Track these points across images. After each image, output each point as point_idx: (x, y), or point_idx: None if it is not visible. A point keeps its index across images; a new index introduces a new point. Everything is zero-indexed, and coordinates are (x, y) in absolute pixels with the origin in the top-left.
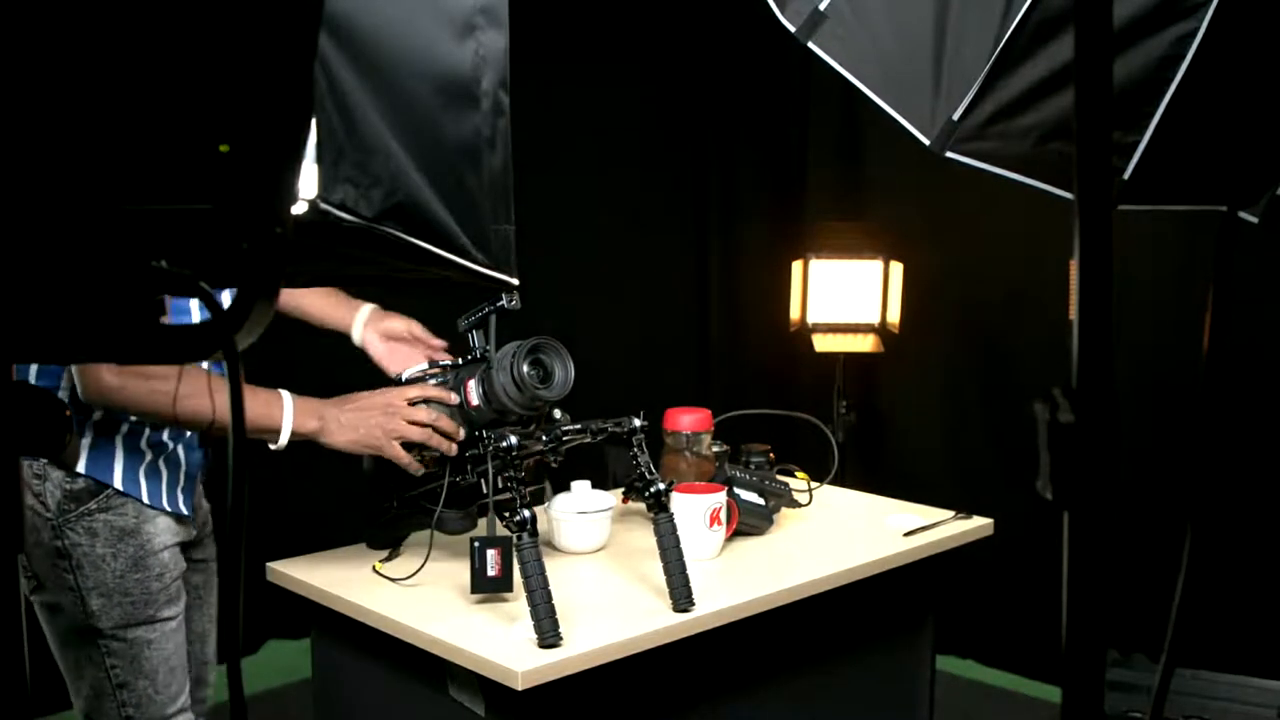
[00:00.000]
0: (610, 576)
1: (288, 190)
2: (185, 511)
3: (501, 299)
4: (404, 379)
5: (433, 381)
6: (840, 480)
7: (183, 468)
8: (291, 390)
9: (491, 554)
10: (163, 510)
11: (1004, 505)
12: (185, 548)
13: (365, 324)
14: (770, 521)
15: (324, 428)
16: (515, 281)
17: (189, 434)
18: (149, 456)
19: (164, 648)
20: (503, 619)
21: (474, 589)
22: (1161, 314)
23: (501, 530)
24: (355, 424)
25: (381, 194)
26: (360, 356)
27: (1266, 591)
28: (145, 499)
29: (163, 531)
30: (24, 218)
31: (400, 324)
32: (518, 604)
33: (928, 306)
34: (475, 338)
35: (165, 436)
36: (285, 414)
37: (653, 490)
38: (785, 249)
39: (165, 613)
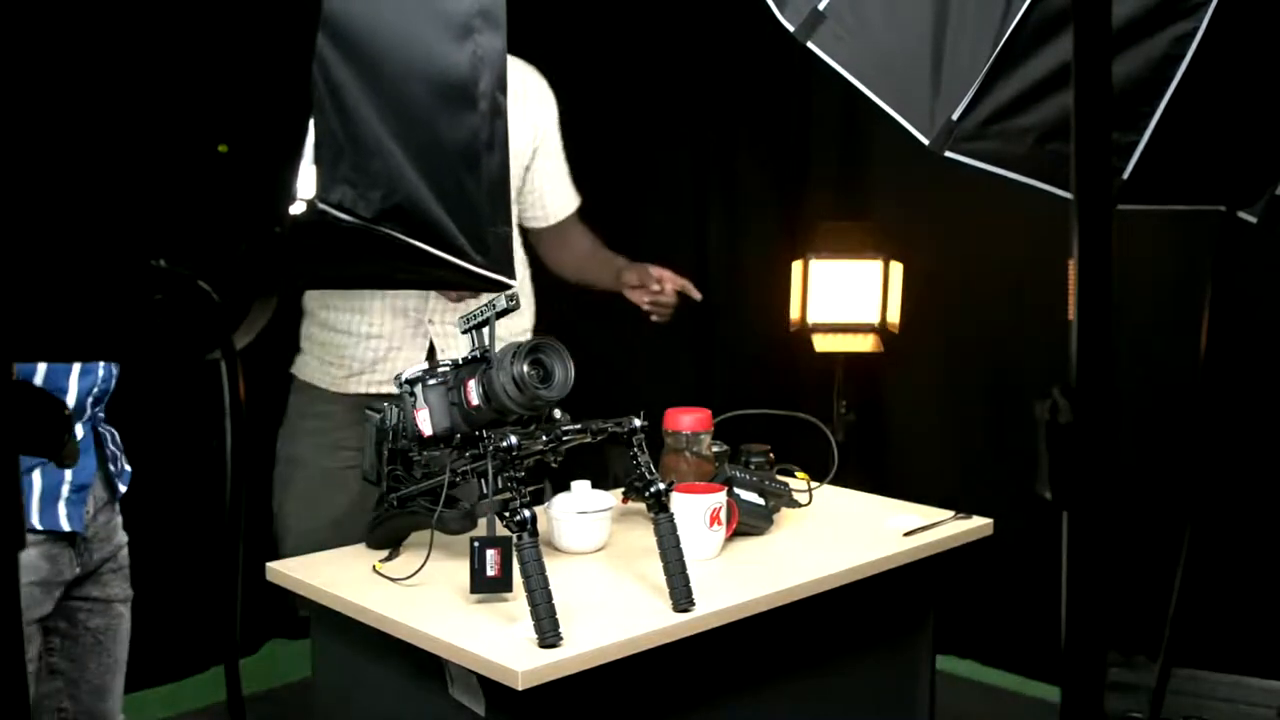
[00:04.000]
0: (610, 576)
1: (286, 190)
2: (66, 526)
3: (502, 300)
4: (403, 380)
5: (433, 382)
6: (840, 480)
7: (65, 475)
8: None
9: (491, 554)
10: (30, 529)
11: (1004, 505)
12: (76, 584)
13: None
14: (770, 521)
15: None
16: (513, 283)
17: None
18: None
19: None
20: (503, 619)
21: (474, 589)
22: (1161, 314)
23: (501, 530)
24: None
25: (380, 195)
26: None
27: (1266, 591)
28: None
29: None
30: (23, 217)
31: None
32: (518, 604)
33: (928, 306)
34: (475, 338)
35: None
36: None
37: (653, 490)
38: (785, 249)
39: None
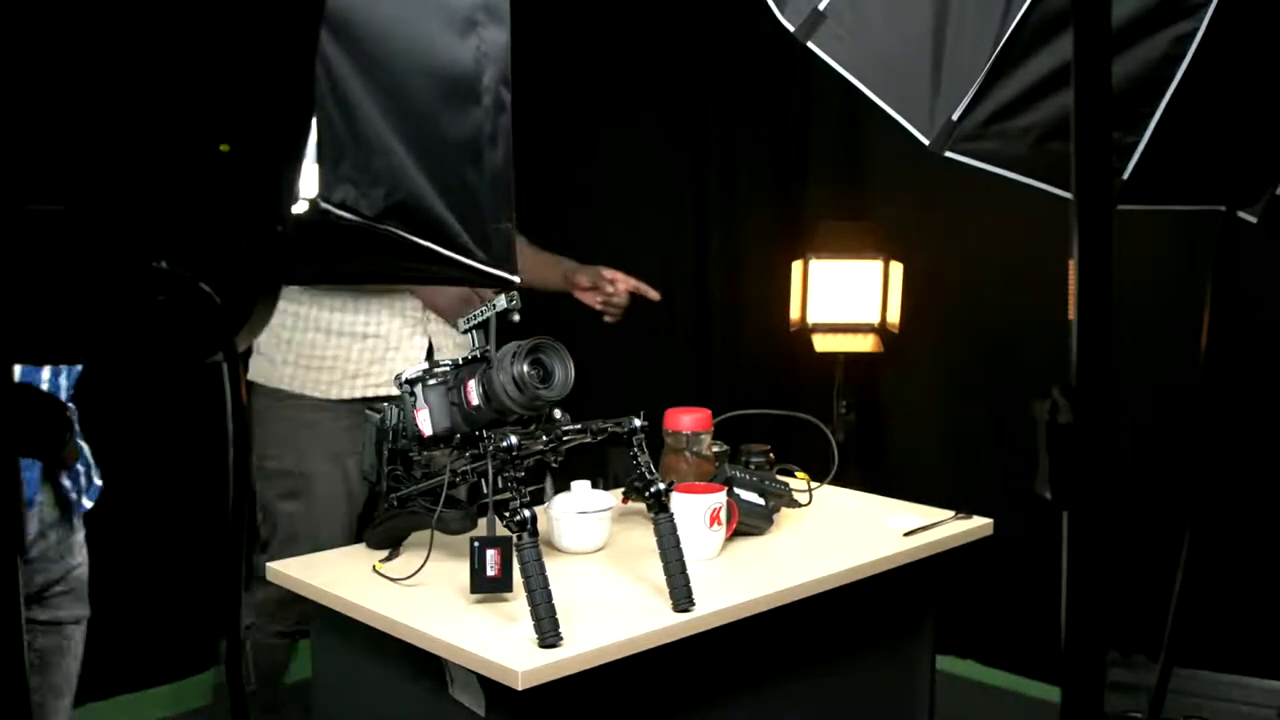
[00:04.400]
0: (610, 576)
1: (288, 190)
2: None
3: (502, 300)
4: (403, 380)
5: (433, 382)
6: (840, 480)
7: None
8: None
9: (491, 554)
10: None
11: (1004, 505)
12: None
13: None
14: (770, 521)
15: None
16: (517, 279)
17: None
18: None
19: None
20: (503, 619)
21: (474, 589)
22: (1161, 314)
23: (501, 530)
24: None
25: (382, 193)
26: None
27: (1266, 591)
28: None
29: None
30: (24, 217)
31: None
32: (518, 604)
33: (928, 306)
34: (475, 338)
35: None
36: None
37: (653, 490)
38: (785, 249)
39: None
